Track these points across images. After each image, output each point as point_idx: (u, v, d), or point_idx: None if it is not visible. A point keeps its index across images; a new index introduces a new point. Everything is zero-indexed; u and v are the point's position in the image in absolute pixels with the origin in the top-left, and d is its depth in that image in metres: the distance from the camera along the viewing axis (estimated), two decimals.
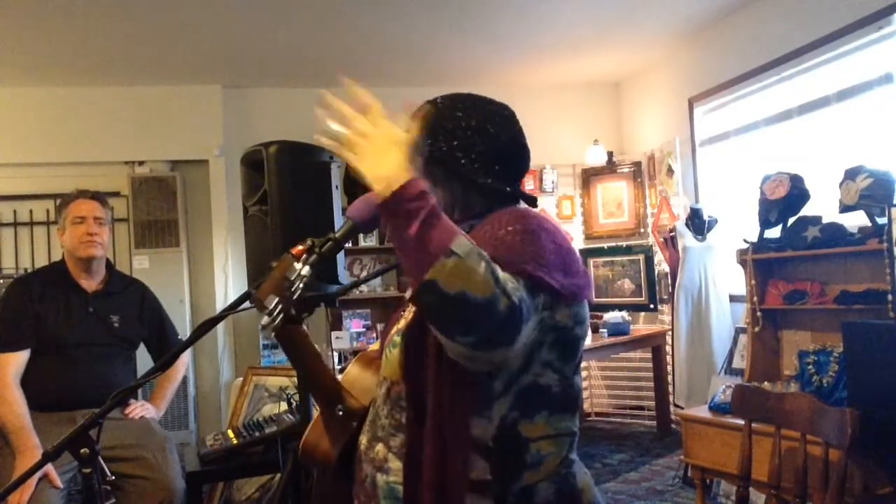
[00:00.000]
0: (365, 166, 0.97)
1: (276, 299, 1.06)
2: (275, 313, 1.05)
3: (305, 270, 1.09)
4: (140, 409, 2.66)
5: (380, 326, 4.91)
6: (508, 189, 1.22)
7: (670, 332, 4.57)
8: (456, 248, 0.91)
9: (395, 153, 0.97)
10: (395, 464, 1.11)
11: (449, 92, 1.27)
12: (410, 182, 0.95)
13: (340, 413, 1.20)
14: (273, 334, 1.14)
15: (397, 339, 1.12)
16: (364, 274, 5.07)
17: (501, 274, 0.94)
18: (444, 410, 1.03)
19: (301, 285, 1.08)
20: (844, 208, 2.97)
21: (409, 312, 1.15)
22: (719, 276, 4.27)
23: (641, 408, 5.05)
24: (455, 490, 1.02)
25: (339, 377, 1.30)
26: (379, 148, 0.97)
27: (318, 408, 1.25)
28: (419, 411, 1.07)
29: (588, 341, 4.42)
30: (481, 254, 0.94)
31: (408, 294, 1.05)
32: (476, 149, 1.18)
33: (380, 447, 1.14)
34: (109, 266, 2.77)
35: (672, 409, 4.63)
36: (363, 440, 1.19)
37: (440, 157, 1.18)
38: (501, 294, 0.91)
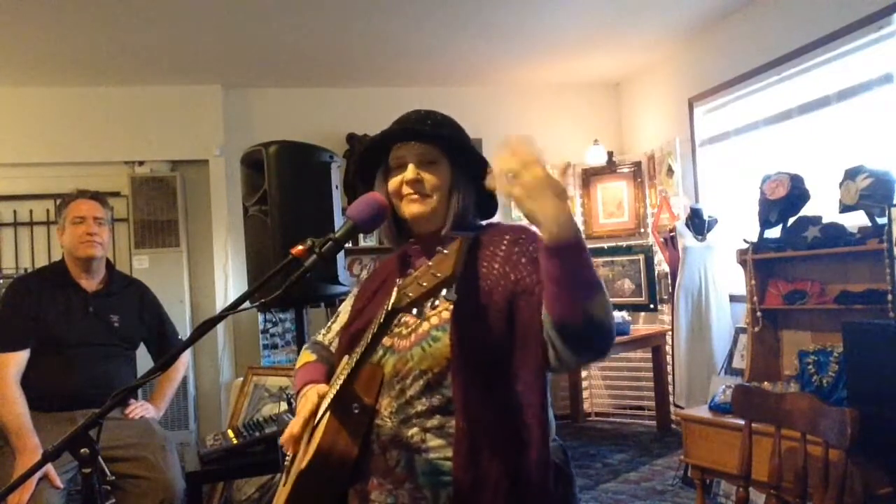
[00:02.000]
0: (547, 209, 1.02)
1: None
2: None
3: None
4: (140, 409, 2.66)
5: None
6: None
7: (670, 332, 4.56)
8: (601, 280, 1.07)
9: (564, 196, 1.03)
10: (435, 441, 1.20)
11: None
12: (575, 222, 1.05)
13: (357, 411, 1.23)
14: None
15: (438, 333, 1.22)
16: (364, 274, 5.07)
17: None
18: (538, 390, 1.18)
19: None
20: (844, 208, 2.97)
21: (439, 310, 1.24)
22: (719, 276, 4.26)
23: (641, 408, 5.05)
24: (549, 451, 1.19)
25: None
26: (555, 192, 1.02)
27: (325, 412, 1.24)
28: (474, 394, 1.17)
29: None
30: None
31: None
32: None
33: (414, 430, 1.21)
34: (109, 266, 2.77)
35: (672, 409, 4.63)
36: (386, 429, 1.23)
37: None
38: (613, 316, 1.09)
